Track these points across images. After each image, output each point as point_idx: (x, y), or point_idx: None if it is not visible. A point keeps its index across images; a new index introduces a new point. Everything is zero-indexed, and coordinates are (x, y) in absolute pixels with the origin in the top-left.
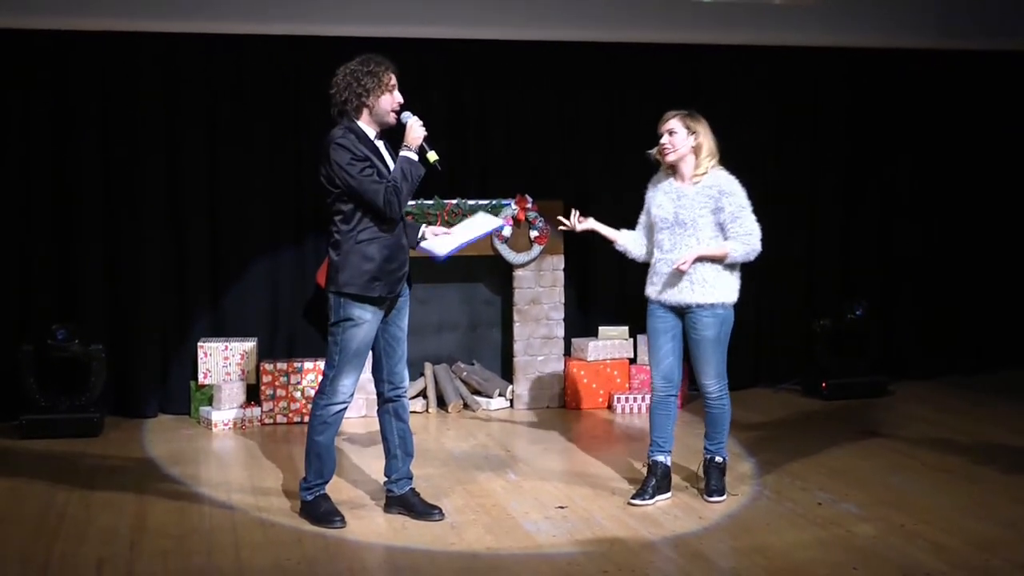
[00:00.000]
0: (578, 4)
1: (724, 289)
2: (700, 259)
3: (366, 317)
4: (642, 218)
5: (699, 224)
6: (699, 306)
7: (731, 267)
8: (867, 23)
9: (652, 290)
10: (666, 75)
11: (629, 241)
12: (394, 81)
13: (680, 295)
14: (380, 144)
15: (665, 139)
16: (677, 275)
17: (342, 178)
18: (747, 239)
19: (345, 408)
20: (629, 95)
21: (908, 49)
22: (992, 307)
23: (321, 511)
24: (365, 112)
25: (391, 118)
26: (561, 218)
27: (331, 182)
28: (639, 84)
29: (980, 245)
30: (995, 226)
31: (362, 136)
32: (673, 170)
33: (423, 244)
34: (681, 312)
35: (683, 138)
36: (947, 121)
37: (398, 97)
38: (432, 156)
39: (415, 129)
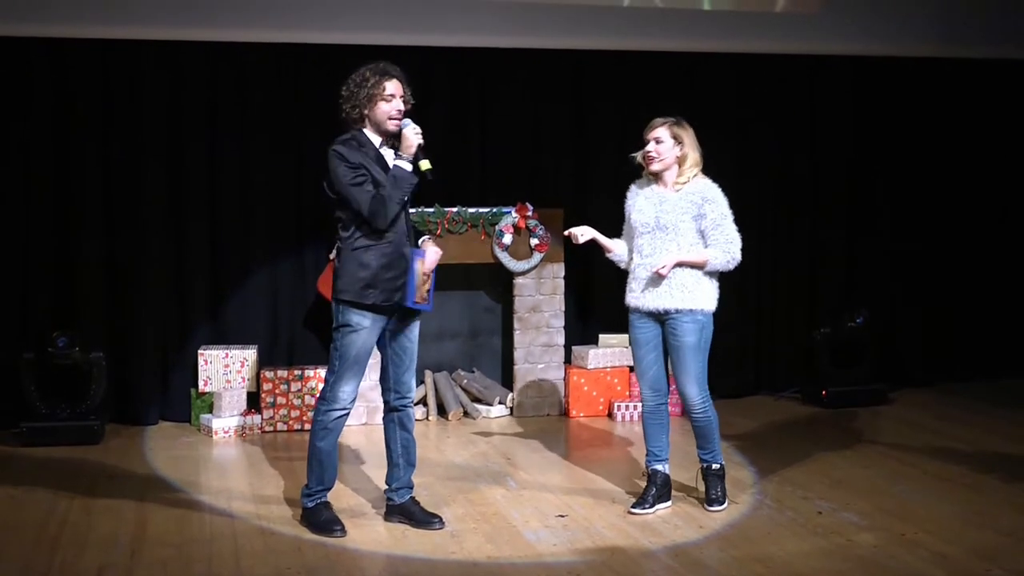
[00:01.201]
0: (580, 13)
1: (703, 296)
2: (680, 265)
3: (364, 324)
4: (625, 226)
5: (680, 229)
6: (678, 312)
7: (711, 275)
8: (869, 31)
9: (631, 297)
10: (669, 83)
11: (620, 249)
12: (390, 90)
13: (659, 300)
14: (388, 153)
15: (651, 147)
16: (656, 280)
17: (336, 185)
18: (728, 247)
19: (346, 414)
20: (630, 103)
21: (910, 57)
22: (993, 315)
23: (322, 519)
24: (367, 121)
25: (390, 126)
26: (567, 232)
27: (331, 188)
28: (641, 92)
29: (981, 253)
30: (997, 234)
31: (366, 144)
32: (655, 176)
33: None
34: (661, 319)
35: (669, 147)
36: (949, 129)
37: (397, 105)
38: (424, 164)
39: (409, 137)
